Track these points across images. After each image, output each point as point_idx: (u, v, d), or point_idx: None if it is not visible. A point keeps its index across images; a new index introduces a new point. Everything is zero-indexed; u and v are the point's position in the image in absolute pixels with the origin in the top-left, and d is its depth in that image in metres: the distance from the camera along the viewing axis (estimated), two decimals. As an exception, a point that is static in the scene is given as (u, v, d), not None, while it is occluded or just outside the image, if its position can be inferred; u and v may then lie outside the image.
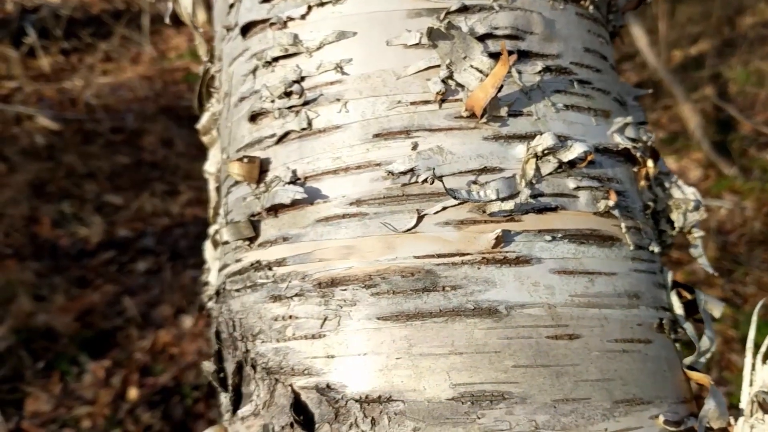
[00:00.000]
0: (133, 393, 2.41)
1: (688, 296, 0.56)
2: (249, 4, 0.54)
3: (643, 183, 0.55)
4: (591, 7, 0.56)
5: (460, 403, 0.44)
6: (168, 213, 3.32)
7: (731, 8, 4.99)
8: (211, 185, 0.65)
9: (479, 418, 0.44)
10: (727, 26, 5.35)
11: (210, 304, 0.57)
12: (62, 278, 2.91)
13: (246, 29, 0.54)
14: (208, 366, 0.54)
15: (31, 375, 2.45)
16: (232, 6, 0.56)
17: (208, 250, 0.65)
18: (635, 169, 0.55)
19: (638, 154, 0.54)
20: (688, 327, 0.54)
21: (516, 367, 0.45)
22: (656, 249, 0.53)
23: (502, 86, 0.47)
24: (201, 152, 0.69)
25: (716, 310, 0.59)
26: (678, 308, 0.54)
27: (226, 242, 0.53)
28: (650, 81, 4.59)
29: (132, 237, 3.18)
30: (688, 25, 5.15)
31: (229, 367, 0.52)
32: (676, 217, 0.57)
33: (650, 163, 0.54)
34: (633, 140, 0.55)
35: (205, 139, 0.66)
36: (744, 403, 0.55)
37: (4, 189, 3.13)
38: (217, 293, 0.55)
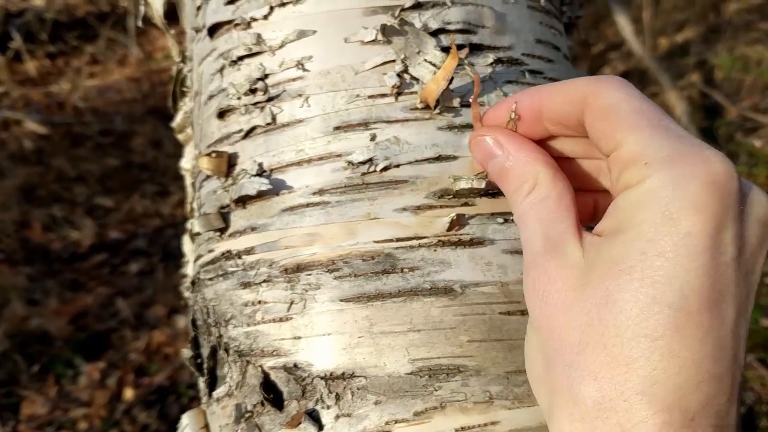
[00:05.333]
0: (128, 393, 2.43)
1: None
2: (215, 6, 0.57)
3: (595, 167, 0.57)
4: (542, 1, 0.58)
5: (418, 376, 0.47)
6: (159, 214, 3.33)
7: (715, -5, 5.03)
8: (188, 181, 0.68)
9: (436, 390, 0.46)
10: (713, 12, 5.40)
11: (187, 294, 0.59)
12: (55, 282, 2.92)
13: (213, 30, 0.57)
14: (186, 353, 0.57)
15: (27, 379, 2.46)
16: (199, 8, 0.59)
17: (187, 243, 0.67)
18: (587, 154, 0.58)
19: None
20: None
21: (471, 342, 0.47)
22: (608, 229, 0.56)
23: (452, 78, 0.49)
24: (184, 151, 0.71)
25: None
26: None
27: (198, 234, 0.56)
28: (636, 69, 4.63)
29: (124, 239, 3.19)
30: (674, 13, 5.19)
31: (205, 352, 0.54)
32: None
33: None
34: (585, 126, 0.58)
35: (180, 136, 0.69)
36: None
37: (-6, 194, 3.13)
38: (193, 283, 0.58)
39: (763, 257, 0.35)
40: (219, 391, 0.52)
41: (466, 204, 0.50)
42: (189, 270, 0.64)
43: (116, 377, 2.51)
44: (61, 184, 3.56)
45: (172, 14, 0.66)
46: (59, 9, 4.39)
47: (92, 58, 4.29)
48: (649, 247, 0.32)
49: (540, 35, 0.57)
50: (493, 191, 0.51)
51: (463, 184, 0.49)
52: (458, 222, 0.49)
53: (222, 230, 0.54)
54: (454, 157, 0.51)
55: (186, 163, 0.68)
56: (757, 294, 0.35)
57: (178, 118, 0.67)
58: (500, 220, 0.50)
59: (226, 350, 0.52)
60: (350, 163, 0.50)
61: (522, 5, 0.57)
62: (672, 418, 0.32)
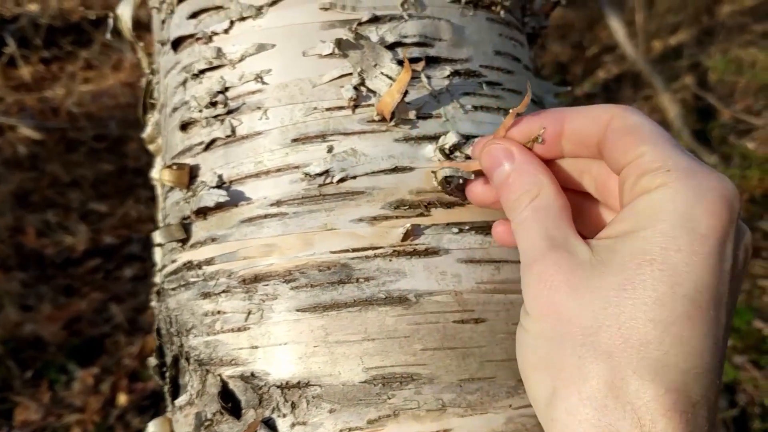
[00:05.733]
0: (122, 399, 2.43)
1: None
2: (178, 20, 0.58)
3: (554, 176, 0.58)
4: (502, 12, 0.59)
5: (372, 385, 0.47)
6: (153, 219, 3.32)
7: (708, -3, 5.05)
8: (159, 191, 0.69)
9: (390, 398, 0.47)
10: (706, 15, 5.41)
11: (153, 303, 0.60)
12: (49, 287, 2.93)
13: (176, 44, 0.58)
14: (152, 361, 0.58)
15: (20, 385, 2.46)
16: (163, 22, 0.60)
17: (157, 253, 0.68)
18: (547, 163, 0.59)
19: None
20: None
21: (424, 350, 0.48)
22: (567, 237, 0.57)
23: (407, 91, 0.50)
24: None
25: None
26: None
27: (160, 244, 0.56)
28: (630, 72, 4.64)
29: (118, 244, 3.20)
30: (668, 15, 5.21)
31: (168, 361, 0.55)
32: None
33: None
34: (545, 136, 0.59)
35: (151, 147, 0.69)
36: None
37: (-12, 200, 3.14)
38: (158, 293, 0.59)
39: (742, 281, 0.38)
40: (181, 400, 0.53)
41: (421, 214, 0.51)
42: (158, 279, 0.65)
43: (110, 383, 2.51)
44: (55, 190, 3.57)
45: (144, 26, 0.67)
46: (54, 14, 4.40)
47: (87, 63, 4.30)
48: (669, 243, 0.35)
49: (499, 47, 0.58)
50: (450, 202, 0.52)
51: (447, 172, 0.49)
52: (412, 232, 0.50)
53: (184, 241, 0.55)
54: (411, 169, 0.52)
55: (156, 173, 0.69)
56: (750, 298, 0.37)
57: (149, 129, 0.68)
58: (455, 230, 0.51)
59: (187, 359, 0.53)
60: (307, 174, 0.51)
61: (481, 17, 0.58)
62: (678, 401, 0.34)
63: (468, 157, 0.51)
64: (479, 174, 0.48)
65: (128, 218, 3.30)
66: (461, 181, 0.49)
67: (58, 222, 3.25)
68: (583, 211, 0.43)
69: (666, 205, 0.36)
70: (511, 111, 0.45)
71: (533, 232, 0.40)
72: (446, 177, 0.49)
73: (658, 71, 4.46)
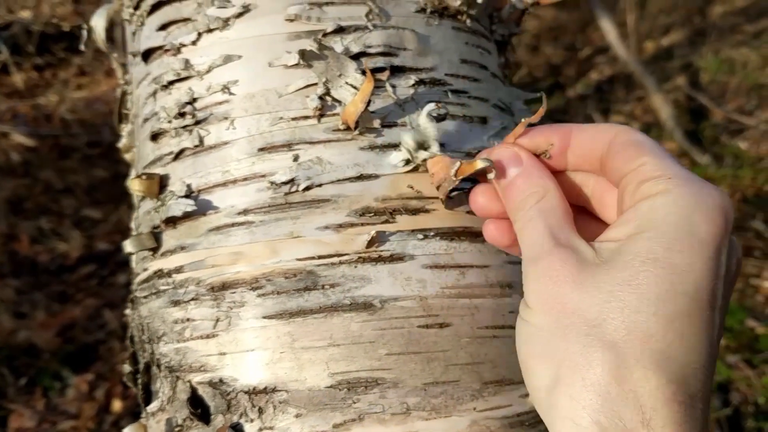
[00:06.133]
0: (117, 405, 2.43)
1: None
2: (148, 32, 0.59)
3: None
4: (468, 21, 0.60)
5: (337, 390, 0.48)
6: (147, 224, 3.32)
7: (700, -2, 5.07)
8: (136, 200, 0.69)
9: (355, 402, 0.48)
10: (698, 16, 5.44)
11: (127, 311, 0.61)
12: (42, 294, 2.93)
13: (147, 55, 0.59)
14: (126, 368, 0.58)
15: (14, 392, 2.46)
16: (134, 33, 0.61)
17: (133, 261, 0.69)
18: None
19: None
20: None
21: (389, 355, 0.49)
22: (533, 242, 0.58)
23: (370, 101, 0.51)
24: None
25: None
26: (557, 295, 0.59)
27: (131, 253, 0.57)
28: (622, 73, 4.66)
29: (112, 250, 3.20)
30: (660, 16, 5.23)
31: (141, 368, 0.56)
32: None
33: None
34: (512, 142, 0.60)
35: (127, 156, 0.70)
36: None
37: (-19, 208, 3.14)
38: (131, 301, 0.60)
39: (732, 290, 0.40)
40: (152, 406, 0.54)
41: (387, 221, 0.52)
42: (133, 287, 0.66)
43: (104, 389, 2.51)
44: (49, 196, 3.57)
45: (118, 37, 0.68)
46: (46, 21, 4.40)
47: (80, 69, 4.30)
48: (672, 244, 0.37)
49: (466, 55, 0.59)
50: (415, 208, 0.52)
51: (424, 155, 0.50)
52: (377, 239, 0.51)
53: (154, 249, 0.56)
54: (376, 176, 0.52)
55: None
56: (742, 297, 0.39)
57: (124, 139, 0.69)
58: (420, 236, 0.52)
59: (158, 366, 0.54)
60: (273, 183, 0.51)
61: (446, 27, 0.59)
62: (678, 392, 0.36)
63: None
64: (482, 182, 0.49)
65: (122, 224, 3.30)
66: (465, 192, 0.49)
67: (52, 229, 3.25)
68: (577, 222, 0.45)
69: (668, 209, 0.38)
70: (522, 120, 0.46)
71: (539, 230, 0.42)
72: (451, 189, 0.49)
73: (650, 72, 4.47)
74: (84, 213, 3.42)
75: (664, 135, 4.19)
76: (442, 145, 0.54)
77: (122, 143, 0.69)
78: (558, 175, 0.46)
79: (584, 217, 0.47)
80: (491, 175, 0.46)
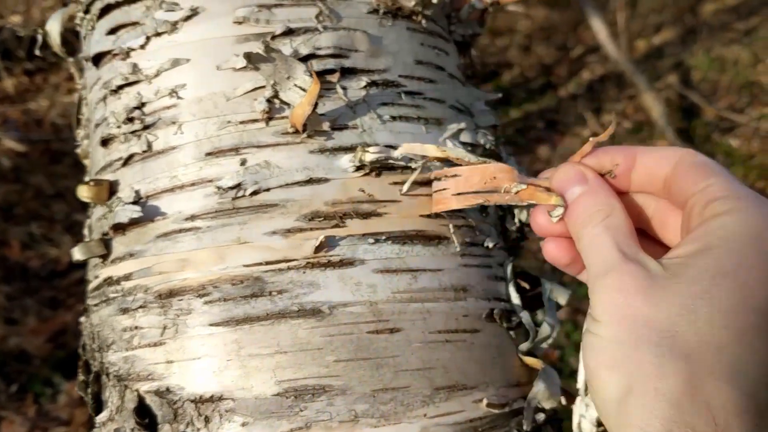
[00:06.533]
0: (108, 410, 2.40)
1: (527, 286, 0.60)
2: (98, 36, 0.58)
3: (479, 184, 0.58)
4: (424, 22, 0.60)
5: (284, 397, 0.48)
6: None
7: (692, -4, 5.07)
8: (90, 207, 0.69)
9: (302, 410, 0.47)
10: (689, 14, 5.44)
11: (82, 319, 0.60)
12: (33, 300, 2.91)
13: (97, 59, 0.58)
14: (79, 377, 0.58)
15: (5, 399, 2.45)
16: (85, 38, 0.60)
17: (88, 269, 0.68)
18: (471, 172, 0.59)
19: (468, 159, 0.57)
20: (524, 316, 0.58)
21: (337, 362, 0.48)
22: (491, 244, 0.57)
23: (317, 102, 0.50)
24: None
25: (562, 298, 0.63)
26: (515, 299, 0.58)
27: (79, 261, 0.56)
28: (614, 73, 4.66)
29: (102, 255, 3.17)
30: (651, 15, 5.24)
31: (91, 377, 0.55)
32: (517, 213, 0.61)
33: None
34: (470, 144, 0.59)
35: (86, 162, 0.69)
36: (580, 383, 0.59)
37: (-30, 214, 3.13)
38: (84, 309, 0.59)
39: None
40: (102, 416, 0.53)
41: (337, 225, 0.51)
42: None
43: (95, 394, 2.48)
44: (40, 202, 3.55)
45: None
46: (36, 26, 4.37)
47: (70, 74, 4.27)
48: (742, 260, 0.38)
49: (421, 56, 0.59)
50: (366, 212, 0.52)
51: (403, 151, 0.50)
52: (326, 244, 0.50)
53: (104, 257, 0.55)
54: (326, 180, 0.52)
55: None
56: None
57: (84, 144, 0.68)
58: (371, 240, 0.51)
59: (107, 375, 0.53)
60: (220, 188, 0.51)
61: (400, 27, 0.58)
62: (751, 405, 0.36)
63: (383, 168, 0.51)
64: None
65: (113, 229, 3.29)
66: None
67: (43, 234, 3.24)
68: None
69: (737, 227, 0.39)
70: (591, 140, 0.47)
71: (607, 246, 0.43)
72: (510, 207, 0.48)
73: (641, 71, 4.47)
74: (75, 218, 3.40)
75: (655, 133, 4.19)
76: (395, 148, 0.53)
77: (81, 148, 0.68)
78: (620, 195, 0.47)
79: (644, 240, 0.48)
80: (556, 201, 0.47)
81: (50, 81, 4.16)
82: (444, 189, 0.52)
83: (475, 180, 0.50)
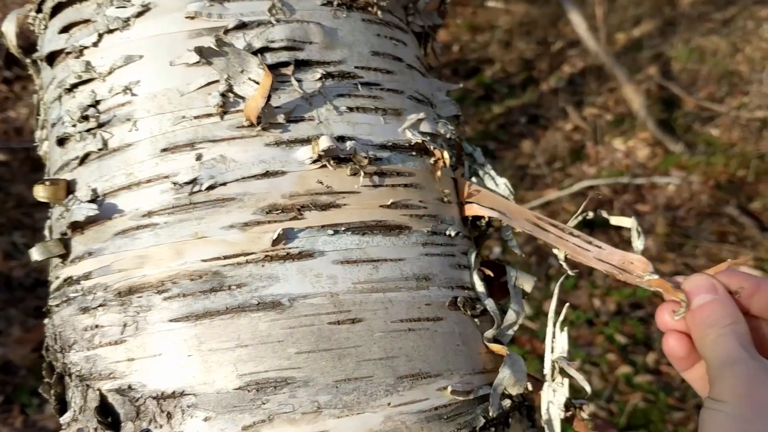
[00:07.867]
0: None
1: (492, 274, 0.61)
2: (50, 35, 0.57)
3: (440, 174, 0.59)
4: (380, 13, 0.60)
5: (246, 391, 0.47)
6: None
7: (669, -12, 5.11)
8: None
9: (264, 403, 0.47)
10: (668, 6, 5.49)
11: (45, 321, 0.60)
12: (18, 310, 2.89)
13: (51, 58, 0.58)
14: (45, 379, 0.57)
15: (-9, 410, 2.42)
16: (39, 37, 0.59)
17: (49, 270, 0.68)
18: (432, 162, 0.59)
19: (432, 147, 0.58)
20: (489, 303, 0.58)
21: (299, 354, 0.48)
22: (453, 233, 0.58)
23: (270, 95, 0.50)
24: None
25: (527, 284, 0.63)
26: (479, 286, 0.58)
27: (38, 261, 0.56)
28: (594, 66, 4.69)
29: (86, 262, 3.14)
30: (630, 8, 5.27)
31: (54, 378, 0.55)
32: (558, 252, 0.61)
33: (446, 154, 0.58)
34: (430, 134, 0.59)
35: (48, 163, 0.69)
36: (547, 369, 0.59)
37: (-50, 225, 3.09)
38: (47, 311, 0.58)
39: None
40: (65, 417, 0.53)
41: (295, 218, 0.51)
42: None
43: (83, 403, 2.46)
44: (22, 211, 3.52)
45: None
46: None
47: (49, 82, 4.22)
48: None
49: (377, 47, 0.59)
50: (324, 204, 0.52)
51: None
52: (284, 236, 0.50)
53: (64, 256, 0.54)
54: (283, 173, 0.52)
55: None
56: None
57: (45, 146, 0.67)
58: (330, 231, 0.51)
59: (70, 375, 0.52)
60: (176, 183, 0.50)
61: (355, 19, 0.58)
62: None
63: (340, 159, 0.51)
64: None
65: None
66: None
67: (26, 243, 3.20)
68: None
69: None
70: (728, 261, 0.56)
71: (733, 344, 0.51)
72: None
73: (621, 63, 4.50)
74: (57, 226, 3.37)
75: (637, 125, 4.21)
76: (349, 138, 0.53)
77: (42, 150, 0.68)
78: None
79: None
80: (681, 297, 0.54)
81: (29, 89, 4.12)
82: (584, 249, 0.59)
83: (614, 258, 0.58)
